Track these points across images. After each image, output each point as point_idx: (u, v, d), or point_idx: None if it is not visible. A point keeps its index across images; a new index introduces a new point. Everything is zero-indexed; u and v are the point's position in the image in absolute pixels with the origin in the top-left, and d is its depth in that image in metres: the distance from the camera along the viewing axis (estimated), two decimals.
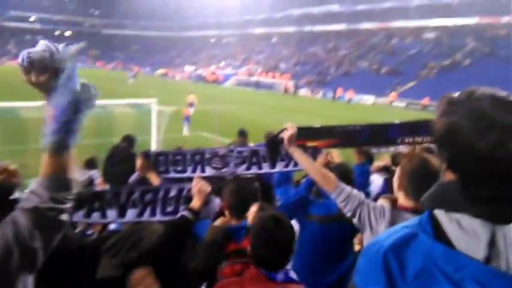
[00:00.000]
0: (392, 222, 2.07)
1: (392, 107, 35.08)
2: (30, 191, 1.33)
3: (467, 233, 0.91)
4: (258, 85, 46.89)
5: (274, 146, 2.70)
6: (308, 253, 3.03)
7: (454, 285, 0.88)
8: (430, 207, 1.00)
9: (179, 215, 2.27)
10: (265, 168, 2.99)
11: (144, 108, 12.05)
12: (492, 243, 0.90)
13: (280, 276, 1.77)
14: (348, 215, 2.21)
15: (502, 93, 0.91)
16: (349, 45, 55.37)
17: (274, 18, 68.24)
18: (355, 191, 2.25)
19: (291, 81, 45.95)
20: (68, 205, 1.37)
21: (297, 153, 2.40)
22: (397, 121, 2.75)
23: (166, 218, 2.46)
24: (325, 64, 51.11)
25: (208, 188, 2.31)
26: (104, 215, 2.42)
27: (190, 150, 3.04)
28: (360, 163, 3.12)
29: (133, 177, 3.06)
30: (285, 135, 2.37)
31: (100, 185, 4.29)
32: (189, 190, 2.41)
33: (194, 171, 2.95)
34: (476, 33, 44.10)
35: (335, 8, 60.36)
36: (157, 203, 2.47)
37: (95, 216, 2.42)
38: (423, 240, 0.95)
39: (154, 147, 11.22)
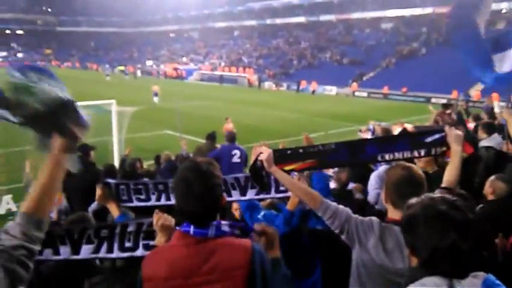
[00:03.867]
0: (382, 235, 2.03)
1: (354, 96, 35.75)
2: (4, 231, 1.34)
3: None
4: (222, 79, 46.49)
5: (257, 174, 2.54)
6: None
7: None
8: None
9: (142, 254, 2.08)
10: (235, 196, 2.83)
11: (104, 109, 11.61)
12: None
13: (211, 231, 1.59)
14: (337, 231, 2.14)
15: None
16: (310, 37, 55.86)
17: (235, 11, 67.83)
18: (341, 207, 2.18)
19: (254, 75, 45.87)
20: (38, 247, 1.38)
21: (278, 173, 2.33)
22: (372, 137, 2.67)
23: (125, 255, 2.27)
24: (287, 57, 51.32)
25: (172, 221, 2.06)
26: (56, 252, 2.22)
27: (152, 181, 2.88)
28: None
29: (93, 207, 2.87)
30: (263, 158, 2.33)
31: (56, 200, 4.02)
32: (150, 224, 2.19)
33: (159, 199, 2.79)
34: (431, 22, 45.57)
35: (294, 0, 60.69)
36: (114, 238, 2.28)
37: (47, 252, 2.21)
38: None
39: (116, 148, 10.89)
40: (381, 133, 7.56)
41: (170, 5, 75.42)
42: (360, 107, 26.66)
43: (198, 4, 71.82)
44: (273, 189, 2.77)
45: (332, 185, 4.54)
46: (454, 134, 2.31)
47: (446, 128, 2.40)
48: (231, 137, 6.32)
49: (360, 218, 2.13)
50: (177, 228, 1.68)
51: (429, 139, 2.42)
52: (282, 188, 2.74)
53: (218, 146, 7.10)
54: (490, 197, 3.23)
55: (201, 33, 73.01)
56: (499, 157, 4.22)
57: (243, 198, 2.86)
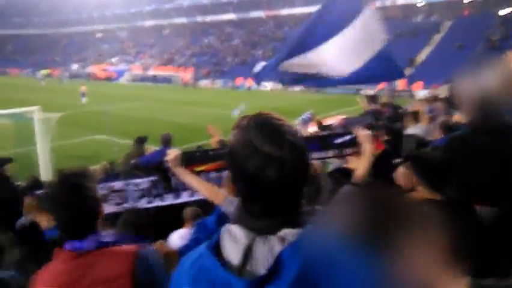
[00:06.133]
0: None
1: (289, 91, 36.51)
2: None
3: (233, 240, 1.00)
4: (155, 79, 45.24)
5: (164, 174, 2.69)
6: None
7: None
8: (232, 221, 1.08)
9: None
10: (169, 200, 2.84)
11: (26, 117, 10.82)
12: (250, 250, 0.98)
13: (89, 243, 1.54)
14: None
15: (273, 121, 1.03)
16: (242, 34, 56.10)
17: (163, 9, 66.18)
18: None
19: (189, 73, 45.21)
20: None
21: (183, 174, 2.41)
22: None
23: None
24: (221, 54, 51.15)
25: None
26: None
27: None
28: None
29: (21, 221, 2.64)
30: (169, 159, 2.38)
31: None
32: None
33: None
34: None
35: None
36: None
37: None
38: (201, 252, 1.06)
39: (41, 158, 10.19)
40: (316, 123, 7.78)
41: (94, 3, 71.84)
42: (295, 101, 27.28)
43: (124, 2, 69.15)
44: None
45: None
46: (362, 134, 2.43)
47: (355, 129, 2.53)
48: (167, 140, 6.07)
49: None
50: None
51: (339, 140, 2.54)
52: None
53: (149, 149, 6.83)
54: None
55: (129, 32, 70.39)
56: (418, 144, 4.47)
57: (177, 201, 2.86)
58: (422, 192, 2.25)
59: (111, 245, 1.58)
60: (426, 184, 2.24)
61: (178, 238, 3.28)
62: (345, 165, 3.27)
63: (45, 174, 9.74)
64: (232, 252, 0.99)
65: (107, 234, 1.61)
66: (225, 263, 0.98)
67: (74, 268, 1.52)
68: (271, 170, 0.96)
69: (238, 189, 1.04)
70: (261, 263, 0.96)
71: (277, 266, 0.93)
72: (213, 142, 4.84)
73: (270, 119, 1.04)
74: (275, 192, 0.98)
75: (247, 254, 0.97)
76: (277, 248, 0.96)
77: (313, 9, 41.27)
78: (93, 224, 1.61)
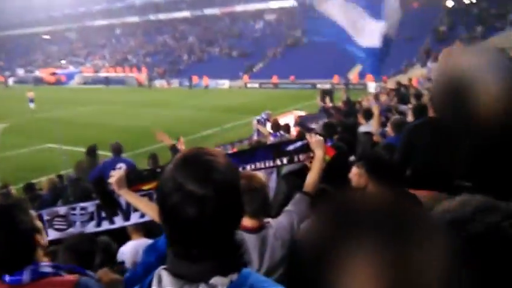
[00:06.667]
0: None
1: (247, 88, 36.45)
2: None
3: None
4: (107, 81, 43.74)
5: (108, 198, 2.53)
6: None
7: None
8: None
9: None
10: (119, 222, 2.70)
11: None
12: None
13: (26, 276, 1.46)
14: None
15: (203, 158, 0.96)
16: (197, 32, 55.36)
17: (114, 8, 64.11)
18: None
19: (144, 74, 44.06)
20: None
21: (128, 195, 2.28)
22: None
23: None
24: (176, 53, 50.25)
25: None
26: None
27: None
28: None
29: None
30: (112, 181, 2.23)
31: None
32: None
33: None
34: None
35: None
36: None
37: None
38: None
39: None
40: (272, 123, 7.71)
41: (40, 4, 68.44)
42: (253, 98, 27.24)
43: (72, 2, 66.36)
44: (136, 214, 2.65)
45: None
46: (314, 140, 2.42)
47: (307, 135, 2.53)
48: (116, 149, 5.77)
49: None
50: None
51: (291, 147, 2.54)
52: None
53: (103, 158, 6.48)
54: None
55: (78, 33, 67.67)
56: (375, 142, 4.50)
57: (127, 223, 2.68)
58: (372, 189, 2.28)
59: (50, 276, 1.49)
60: (378, 182, 2.28)
61: (130, 252, 3.08)
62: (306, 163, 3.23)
63: None
64: None
65: (46, 265, 1.52)
66: None
67: None
68: (190, 208, 0.90)
69: (162, 227, 0.98)
70: None
71: None
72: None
73: (201, 155, 0.97)
74: (196, 232, 0.92)
75: None
76: None
77: (268, 4, 41.23)
78: (29, 255, 1.52)
